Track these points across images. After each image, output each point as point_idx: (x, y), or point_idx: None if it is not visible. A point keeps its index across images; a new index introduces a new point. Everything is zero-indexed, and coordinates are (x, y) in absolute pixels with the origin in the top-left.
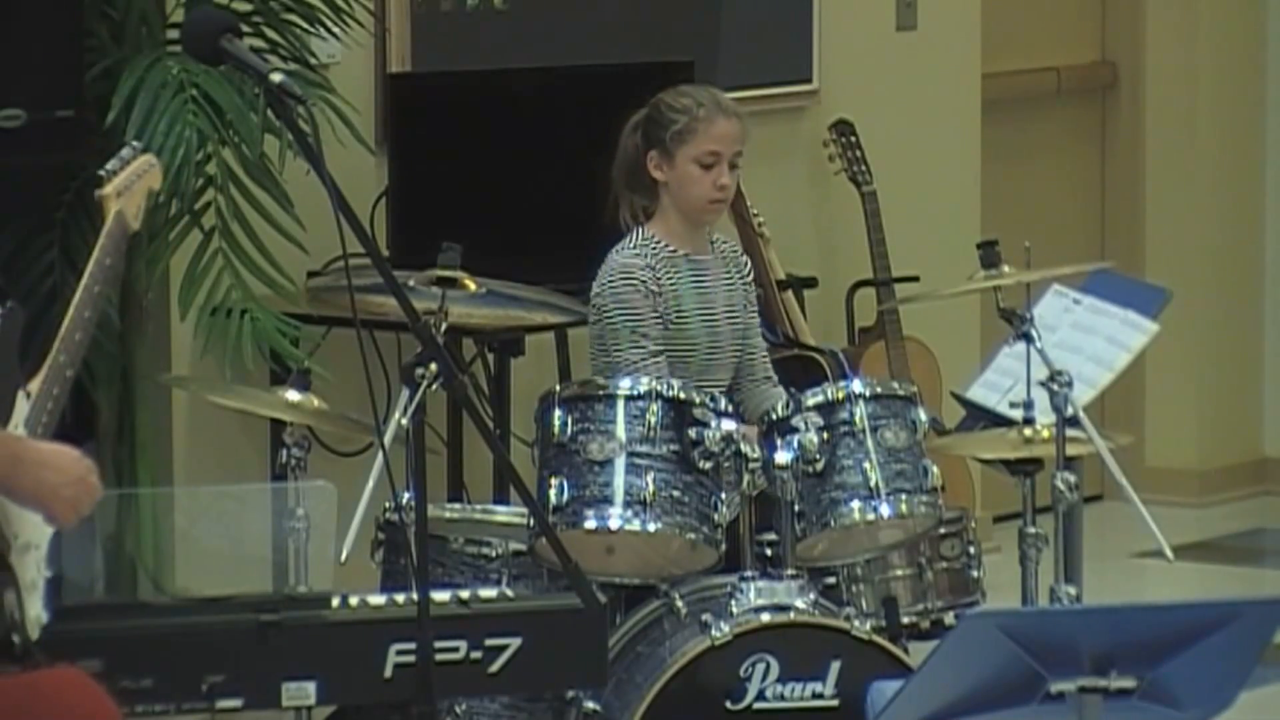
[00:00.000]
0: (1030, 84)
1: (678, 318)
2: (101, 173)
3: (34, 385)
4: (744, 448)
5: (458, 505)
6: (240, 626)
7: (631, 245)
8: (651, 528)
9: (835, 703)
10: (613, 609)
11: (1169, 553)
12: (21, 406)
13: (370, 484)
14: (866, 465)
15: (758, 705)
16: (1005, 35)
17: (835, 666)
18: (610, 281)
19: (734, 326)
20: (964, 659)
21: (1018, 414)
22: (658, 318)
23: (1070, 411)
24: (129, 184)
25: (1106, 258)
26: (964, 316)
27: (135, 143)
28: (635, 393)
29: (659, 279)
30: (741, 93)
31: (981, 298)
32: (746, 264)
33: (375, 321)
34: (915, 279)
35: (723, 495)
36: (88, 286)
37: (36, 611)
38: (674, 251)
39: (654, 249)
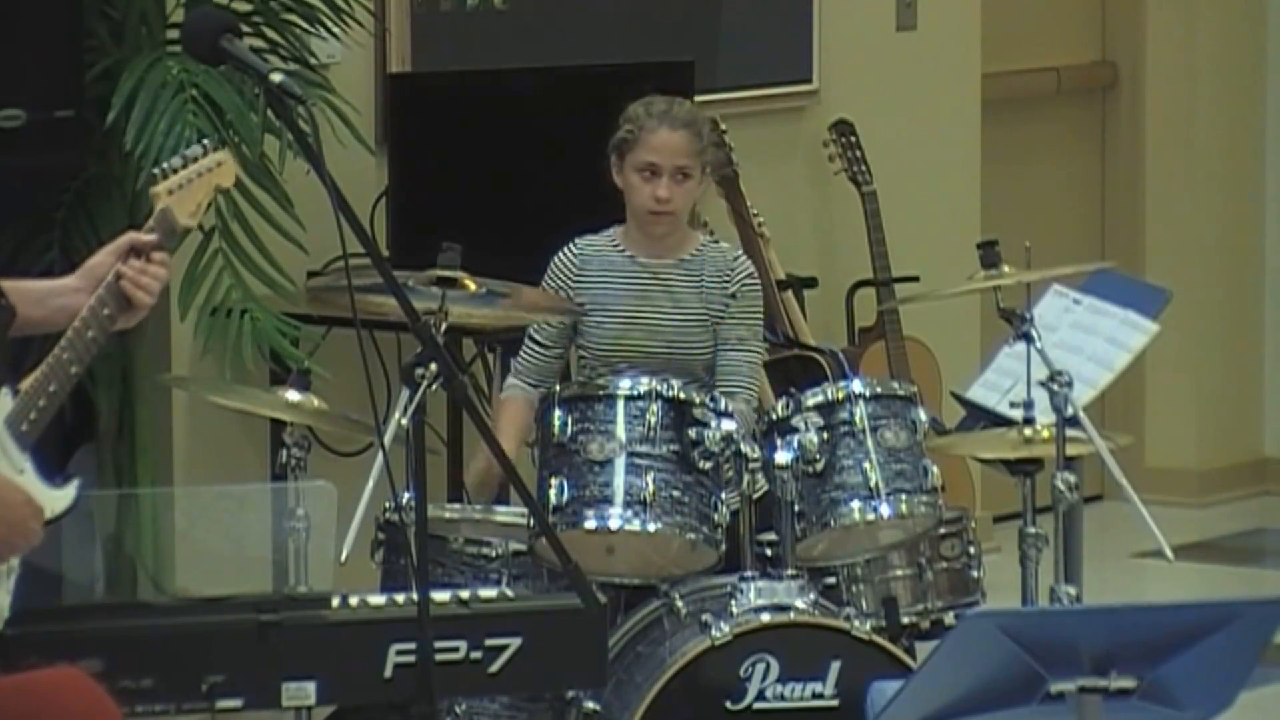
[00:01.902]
0: (1030, 84)
1: (599, 314)
2: (155, 171)
3: (27, 383)
4: (744, 448)
5: (458, 505)
6: (240, 626)
7: (587, 239)
8: (651, 528)
9: (835, 703)
10: (613, 609)
11: (1169, 553)
12: (5, 402)
13: (370, 484)
14: (866, 465)
15: (758, 705)
16: (1005, 35)
17: (835, 666)
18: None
19: (686, 333)
20: (964, 659)
21: (1018, 414)
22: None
23: (1070, 411)
24: (186, 181)
25: (1106, 258)
26: (964, 316)
27: (207, 140)
28: (635, 393)
29: (582, 277)
30: (741, 93)
31: (981, 298)
32: (741, 272)
33: (375, 321)
34: (915, 279)
35: (723, 495)
36: (110, 284)
37: (2, 603)
38: (623, 252)
39: (600, 247)
